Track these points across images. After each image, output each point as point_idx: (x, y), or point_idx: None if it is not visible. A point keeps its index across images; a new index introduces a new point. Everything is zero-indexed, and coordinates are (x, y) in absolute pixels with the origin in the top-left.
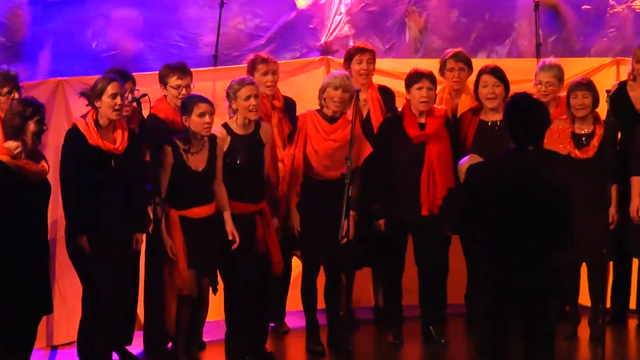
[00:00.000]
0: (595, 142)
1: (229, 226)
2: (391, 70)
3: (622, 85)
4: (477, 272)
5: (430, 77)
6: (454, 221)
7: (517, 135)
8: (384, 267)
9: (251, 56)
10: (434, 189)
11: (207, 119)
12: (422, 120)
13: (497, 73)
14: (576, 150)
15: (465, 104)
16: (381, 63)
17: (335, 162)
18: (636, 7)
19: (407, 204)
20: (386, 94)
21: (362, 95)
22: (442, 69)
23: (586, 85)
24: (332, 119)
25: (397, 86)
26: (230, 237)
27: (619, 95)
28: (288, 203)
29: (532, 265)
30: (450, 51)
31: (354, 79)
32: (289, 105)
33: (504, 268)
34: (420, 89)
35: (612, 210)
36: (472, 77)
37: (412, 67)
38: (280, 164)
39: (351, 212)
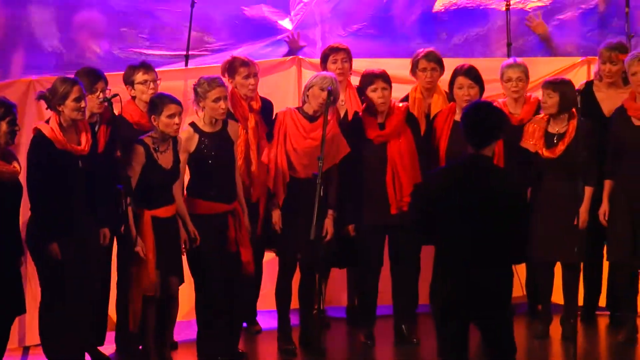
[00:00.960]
0: (563, 143)
1: (190, 226)
2: (361, 70)
3: (589, 85)
4: (433, 277)
5: (383, 76)
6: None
7: (472, 141)
8: (359, 268)
9: (229, 58)
10: (400, 187)
11: (176, 120)
12: (382, 120)
13: (471, 74)
14: (544, 149)
15: (437, 103)
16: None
17: (314, 161)
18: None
19: (377, 204)
20: (364, 93)
21: (341, 95)
22: (414, 68)
23: (552, 85)
24: (311, 118)
25: None
26: (192, 236)
27: (586, 96)
28: (271, 202)
29: (487, 274)
30: (422, 51)
31: None
32: (266, 106)
33: (458, 275)
34: (375, 90)
35: (582, 211)
36: (445, 77)
37: (365, 69)
38: (254, 168)
39: (330, 211)
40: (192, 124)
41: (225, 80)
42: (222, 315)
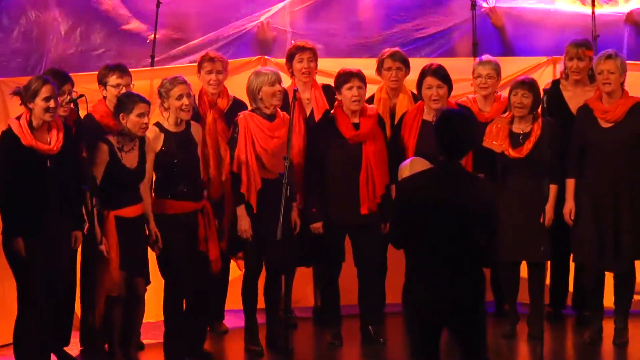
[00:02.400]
0: (530, 142)
1: (152, 225)
2: (328, 70)
3: (555, 84)
4: (406, 281)
5: (359, 75)
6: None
7: (447, 148)
8: (322, 267)
9: (202, 53)
10: (373, 188)
11: (145, 119)
12: (356, 120)
13: (440, 73)
14: (510, 149)
15: (403, 103)
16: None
17: (281, 160)
18: None
19: (345, 204)
20: (329, 92)
21: (306, 94)
22: (380, 68)
23: (528, 85)
24: (270, 117)
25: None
26: (153, 237)
27: (553, 95)
28: (240, 208)
29: (458, 279)
30: (388, 51)
31: (297, 78)
32: (239, 107)
33: (430, 276)
34: (350, 88)
35: (548, 208)
36: (411, 77)
37: (341, 68)
38: (211, 166)
39: (294, 205)
40: (157, 124)
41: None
42: (190, 315)
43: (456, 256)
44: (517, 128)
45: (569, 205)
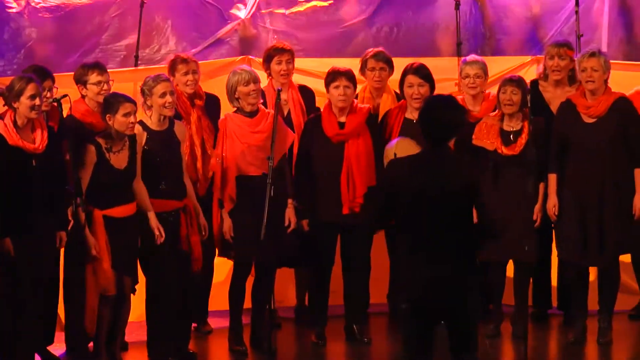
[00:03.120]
0: (522, 139)
1: (154, 222)
2: (310, 70)
3: (534, 84)
4: (398, 270)
5: (347, 74)
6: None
7: (430, 135)
8: (311, 267)
9: (172, 56)
10: (353, 188)
11: (132, 118)
12: (343, 119)
13: (421, 72)
14: (503, 147)
15: (386, 103)
16: (300, 62)
17: (267, 154)
18: None
19: (330, 203)
20: (306, 93)
21: (283, 95)
22: (363, 68)
23: (516, 82)
24: (251, 114)
25: (317, 85)
26: (156, 233)
27: (533, 96)
28: (220, 208)
29: (449, 262)
30: (371, 50)
31: (275, 79)
32: (213, 102)
33: (422, 265)
34: (337, 87)
35: (537, 208)
36: (394, 77)
37: (332, 66)
38: (199, 163)
39: (289, 201)
40: (141, 122)
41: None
42: (173, 315)
43: (447, 241)
44: (508, 126)
45: (552, 201)
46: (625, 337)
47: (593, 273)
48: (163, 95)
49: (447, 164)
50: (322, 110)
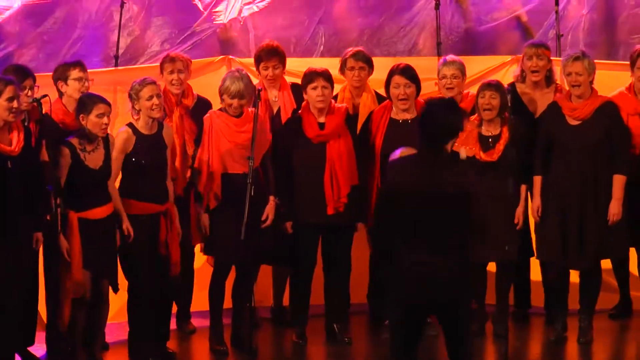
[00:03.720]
0: (500, 145)
1: (125, 223)
2: (294, 70)
3: (512, 86)
4: (391, 271)
5: (324, 75)
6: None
7: (430, 137)
8: (292, 267)
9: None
10: (337, 188)
11: (105, 119)
12: (322, 119)
13: (408, 73)
14: (482, 153)
15: (366, 103)
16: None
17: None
18: None
19: (313, 204)
20: (298, 91)
21: (273, 92)
22: (343, 67)
23: (495, 86)
24: (236, 115)
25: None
26: (125, 233)
27: (511, 97)
28: (199, 205)
29: (443, 263)
30: (351, 50)
31: (264, 82)
32: (203, 105)
33: (416, 266)
34: (315, 88)
35: (519, 211)
36: (375, 76)
37: (308, 68)
38: (177, 162)
39: (271, 198)
40: (131, 125)
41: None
42: (153, 316)
43: (438, 244)
44: (486, 131)
45: (537, 203)
46: (606, 336)
47: (575, 273)
48: (150, 98)
49: (446, 165)
50: (300, 111)
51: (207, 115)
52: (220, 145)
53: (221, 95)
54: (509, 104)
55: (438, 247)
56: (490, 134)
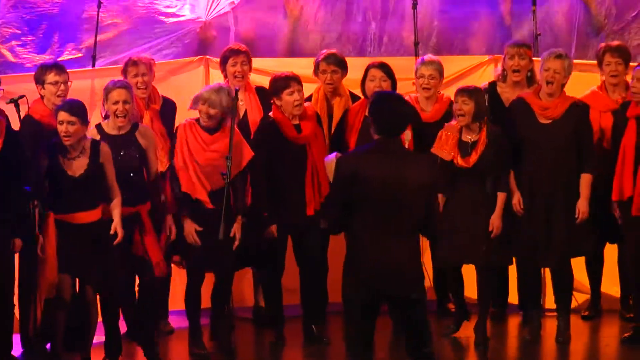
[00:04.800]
0: (477, 152)
1: (115, 222)
2: (269, 69)
3: (492, 86)
4: (346, 261)
5: (296, 79)
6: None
7: (384, 126)
8: (265, 268)
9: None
10: (318, 187)
11: (64, 127)
12: (296, 121)
13: (384, 68)
14: (459, 158)
15: (340, 104)
16: (258, 62)
17: (218, 175)
18: None
19: (293, 206)
20: (263, 93)
21: (240, 96)
22: (316, 70)
23: (468, 92)
24: (210, 130)
25: None
26: (112, 232)
27: (490, 97)
28: (182, 212)
29: (399, 253)
30: (323, 53)
31: (230, 81)
32: (169, 106)
33: (371, 255)
34: (291, 93)
35: (494, 218)
36: (351, 76)
37: (275, 74)
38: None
39: (238, 217)
40: (98, 126)
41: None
42: (130, 317)
43: (398, 230)
44: (466, 137)
45: (517, 196)
46: (582, 336)
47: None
48: (115, 102)
49: (402, 155)
50: (273, 116)
51: (182, 123)
52: (191, 158)
53: (196, 102)
54: (487, 109)
55: (394, 234)
56: (469, 139)
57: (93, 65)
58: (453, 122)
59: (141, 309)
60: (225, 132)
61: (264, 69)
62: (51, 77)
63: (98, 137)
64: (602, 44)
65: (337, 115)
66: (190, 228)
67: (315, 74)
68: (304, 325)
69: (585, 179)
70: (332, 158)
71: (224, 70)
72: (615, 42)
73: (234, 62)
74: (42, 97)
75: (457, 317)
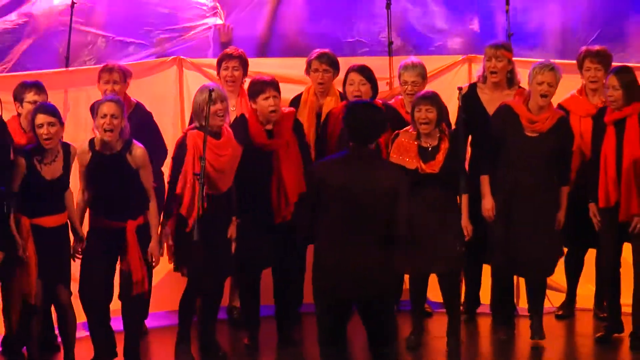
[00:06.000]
0: (440, 156)
1: (78, 230)
2: (268, 73)
3: (472, 87)
4: (315, 263)
5: (273, 84)
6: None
7: (357, 135)
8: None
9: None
10: (285, 197)
11: (44, 129)
12: (270, 127)
13: (364, 72)
14: (422, 164)
15: (329, 105)
16: (258, 62)
17: (228, 178)
18: None
19: (261, 212)
20: None
21: (232, 101)
22: (308, 69)
23: (430, 99)
24: (215, 135)
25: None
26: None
27: (470, 98)
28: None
29: (364, 260)
30: (317, 52)
31: (223, 86)
32: (141, 112)
33: (340, 261)
34: (266, 98)
35: (465, 221)
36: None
37: (252, 78)
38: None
39: (233, 218)
40: (90, 141)
41: None
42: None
43: (364, 236)
44: (425, 142)
45: (489, 202)
46: (557, 336)
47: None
48: (104, 116)
49: (374, 162)
50: (247, 117)
51: (188, 135)
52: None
53: (201, 110)
54: (461, 102)
55: (359, 240)
56: (429, 145)
57: (67, 66)
58: (409, 129)
59: (124, 322)
60: (229, 136)
61: (258, 71)
62: (30, 95)
63: (89, 153)
64: (583, 48)
65: (325, 115)
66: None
67: (307, 72)
68: (278, 327)
69: (565, 192)
70: None
71: (218, 74)
72: (596, 47)
73: (225, 66)
74: (18, 114)
75: (417, 329)
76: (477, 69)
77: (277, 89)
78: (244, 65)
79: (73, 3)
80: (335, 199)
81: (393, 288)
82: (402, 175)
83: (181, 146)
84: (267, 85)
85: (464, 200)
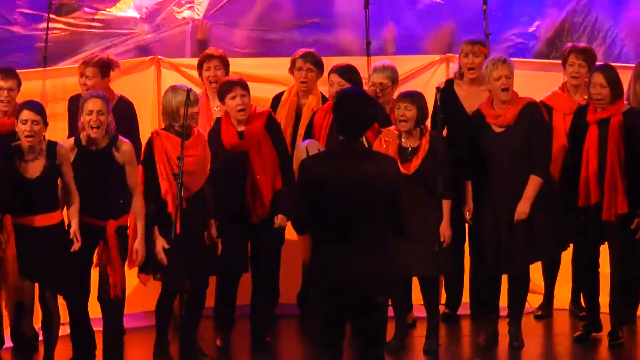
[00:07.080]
0: (418, 158)
1: (73, 229)
2: (250, 73)
3: (449, 83)
4: (311, 263)
5: (240, 83)
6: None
7: (345, 128)
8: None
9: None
10: (260, 197)
11: (27, 126)
12: (242, 128)
13: (344, 74)
14: (400, 165)
15: (310, 105)
16: (241, 62)
17: (202, 175)
18: None
19: (236, 213)
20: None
21: (216, 102)
22: (292, 67)
23: (410, 97)
24: (185, 135)
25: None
26: (71, 236)
27: (447, 95)
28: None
29: (363, 257)
30: (301, 51)
31: (206, 87)
32: (126, 105)
33: (336, 260)
34: (233, 98)
35: (444, 227)
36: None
37: (277, 65)
38: None
39: (211, 221)
40: (76, 136)
41: None
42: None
43: (362, 233)
44: (406, 143)
45: (469, 206)
46: (536, 337)
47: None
48: (90, 113)
49: (364, 156)
50: (221, 121)
51: (154, 135)
52: (172, 168)
53: (176, 110)
54: (439, 102)
55: (353, 238)
56: (409, 146)
57: (44, 65)
58: (392, 128)
59: (104, 323)
60: (198, 137)
61: (245, 72)
62: None
63: (75, 149)
64: (569, 44)
65: (305, 116)
66: (159, 246)
67: (290, 71)
68: (252, 327)
69: (533, 181)
70: (304, 145)
71: (200, 75)
72: (582, 44)
73: (207, 66)
74: None
75: (400, 333)
76: (453, 66)
77: (245, 88)
78: (225, 64)
79: (50, 3)
80: (325, 196)
81: (389, 287)
82: (394, 163)
83: (149, 148)
84: (234, 85)
85: (445, 205)
